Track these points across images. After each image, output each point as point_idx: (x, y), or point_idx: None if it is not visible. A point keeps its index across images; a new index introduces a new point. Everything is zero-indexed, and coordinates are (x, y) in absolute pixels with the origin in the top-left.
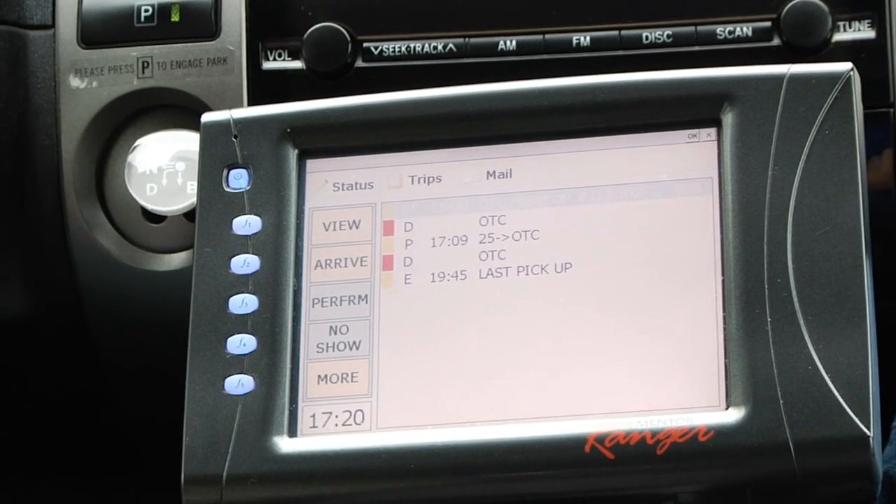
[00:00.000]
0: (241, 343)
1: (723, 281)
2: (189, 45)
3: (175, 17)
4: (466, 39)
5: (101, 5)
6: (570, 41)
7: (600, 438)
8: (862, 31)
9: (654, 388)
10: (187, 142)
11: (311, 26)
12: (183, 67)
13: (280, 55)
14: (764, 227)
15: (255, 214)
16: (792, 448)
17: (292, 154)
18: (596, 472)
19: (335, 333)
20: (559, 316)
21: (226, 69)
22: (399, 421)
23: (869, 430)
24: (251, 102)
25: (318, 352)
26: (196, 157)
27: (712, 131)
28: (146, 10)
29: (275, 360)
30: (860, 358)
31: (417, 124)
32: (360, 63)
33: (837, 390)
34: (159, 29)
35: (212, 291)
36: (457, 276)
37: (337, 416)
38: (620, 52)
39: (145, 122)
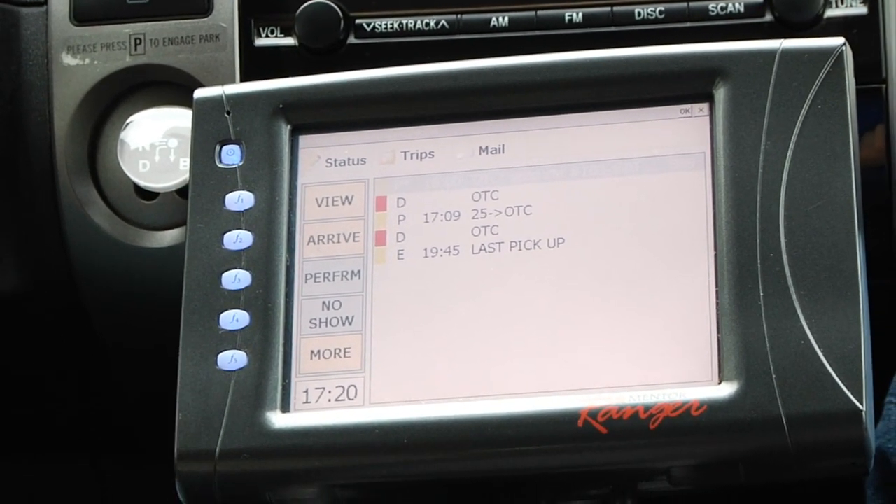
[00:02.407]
0: (234, 319)
1: (715, 256)
2: (181, 21)
3: None
4: (459, 16)
5: None
6: (563, 17)
7: (593, 413)
8: (854, 7)
9: (646, 363)
10: (180, 118)
11: (303, 3)
12: (175, 44)
13: (272, 32)
14: (756, 201)
15: (248, 190)
16: (784, 422)
17: (285, 130)
18: (589, 446)
19: (328, 309)
20: (552, 291)
21: (218, 46)
22: (392, 396)
23: (862, 404)
24: (243, 79)
25: (310, 327)
26: (189, 133)
27: (704, 106)
28: None
29: (268, 336)
30: (853, 332)
31: (410, 100)
32: (352, 39)
33: (830, 365)
34: (152, 6)
35: (205, 267)
36: (449, 252)
37: (330, 392)
38: (612, 29)
39: (138, 98)
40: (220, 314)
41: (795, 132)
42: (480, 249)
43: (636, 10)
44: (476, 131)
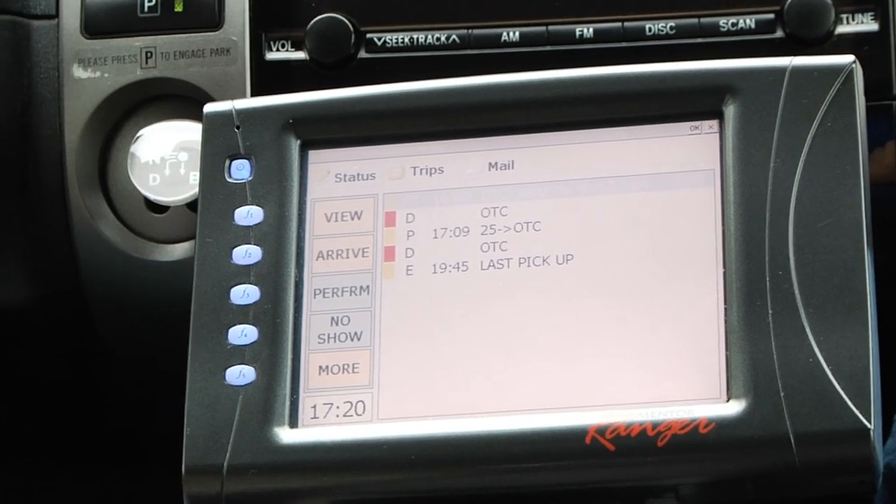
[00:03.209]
0: (243, 333)
1: (724, 273)
2: (192, 35)
3: (178, 8)
4: (469, 31)
5: None
6: (573, 33)
7: (601, 430)
8: (865, 24)
9: (655, 380)
10: (190, 132)
11: (314, 17)
12: (186, 58)
13: (283, 46)
14: (766, 219)
15: (257, 205)
16: (793, 440)
17: (294, 145)
18: (597, 463)
19: (336, 324)
20: (560, 307)
21: (229, 60)
22: (400, 412)
23: (870, 422)
24: (254, 93)
25: (319, 342)
26: (199, 147)
27: (714, 123)
28: (150, 1)
29: (276, 351)
30: (861, 350)
31: (420, 115)
32: (363, 54)
33: (838, 382)
34: (163, 19)
35: (213, 282)
36: (458, 268)
37: (338, 407)
38: (623, 44)
39: (148, 112)
40: (228, 329)
41: (805, 149)
42: (489, 265)
43: (647, 26)
44: (486, 147)
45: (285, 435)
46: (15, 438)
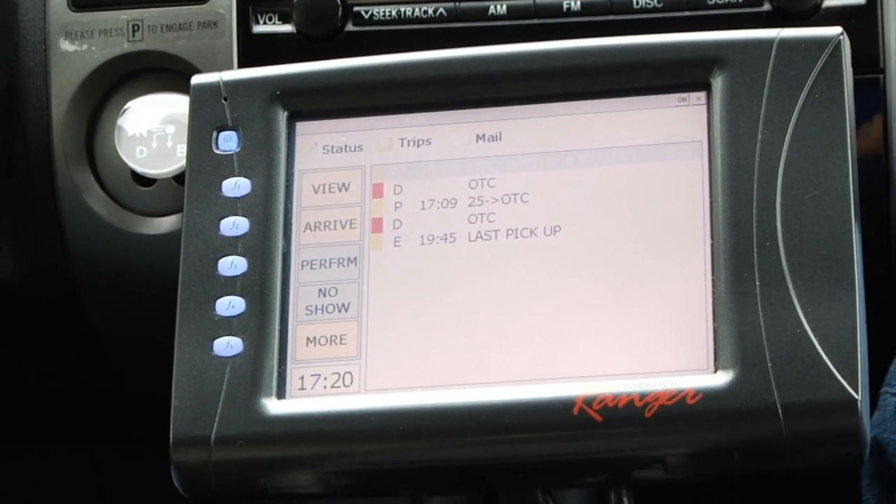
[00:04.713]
0: (230, 305)
1: (712, 244)
2: (179, 8)
3: None
4: (457, 4)
5: None
6: (561, 6)
7: (588, 401)
8: None
9: (642, 351)
10: (177, 105)
11: None
12: (173, 31)
13: (270, 18)
14: (753, 190)
15: (245, 177)
16: (780, 411)
17: (282, 116)
18: (584, 434)
19: (324, 296)
20: (548, 279)
21: (216, 32)
22: (388, 383)
23: (857, 393)
24: (241, 66)
25: (306, 314)
26: (186, 120)
27: (702, 95)
28: None
29: (264, 322)
30: (849, 321)
31: (407, 87)
32: (350, 27)
33: (826, 354)
34: None
35: (201, 253)
36: (446, 239)
37: (325, 378)
38: (611, 17)
39: (135, 85)
40: (216, 300)
41: (792, 121)
42: (477, 237)
43: None
44: (473, 119)
45: (273, 406)
46: (4, 415)
